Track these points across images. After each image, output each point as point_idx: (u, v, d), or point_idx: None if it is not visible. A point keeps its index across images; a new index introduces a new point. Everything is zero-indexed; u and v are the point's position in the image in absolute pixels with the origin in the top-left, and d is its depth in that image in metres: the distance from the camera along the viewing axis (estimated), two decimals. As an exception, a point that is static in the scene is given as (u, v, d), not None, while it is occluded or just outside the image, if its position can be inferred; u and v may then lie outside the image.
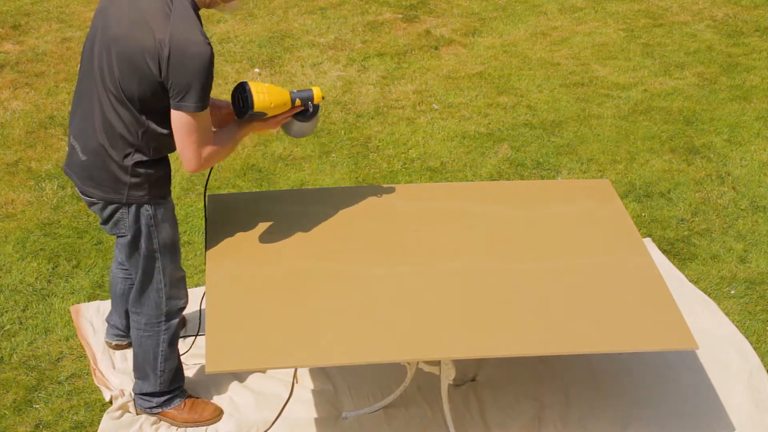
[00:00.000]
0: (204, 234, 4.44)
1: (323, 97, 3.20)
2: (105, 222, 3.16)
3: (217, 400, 3.61)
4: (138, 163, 3.01)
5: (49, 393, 3.65)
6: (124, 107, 2.92)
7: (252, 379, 3.72)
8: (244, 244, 3.29)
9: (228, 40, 6.51)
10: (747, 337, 3.99)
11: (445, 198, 3.61)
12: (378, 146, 5.36)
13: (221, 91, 5.90)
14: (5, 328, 3.96)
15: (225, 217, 3.40)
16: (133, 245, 3.16)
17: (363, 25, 6.92)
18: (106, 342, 3.82)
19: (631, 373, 3.78)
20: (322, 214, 3.43)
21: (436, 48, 6.62)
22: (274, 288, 3.11)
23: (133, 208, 3.08)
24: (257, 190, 4.88)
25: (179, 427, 3.48)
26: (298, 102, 3.15)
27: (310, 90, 3.19)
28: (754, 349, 3.93)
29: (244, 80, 3.07)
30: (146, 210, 3.10)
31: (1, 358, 3.81)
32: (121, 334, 3.77)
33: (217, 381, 3.69)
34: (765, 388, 3.73)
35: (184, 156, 2.93)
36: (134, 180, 3.03)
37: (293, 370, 3.64)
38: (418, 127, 5.58)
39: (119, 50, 2.86)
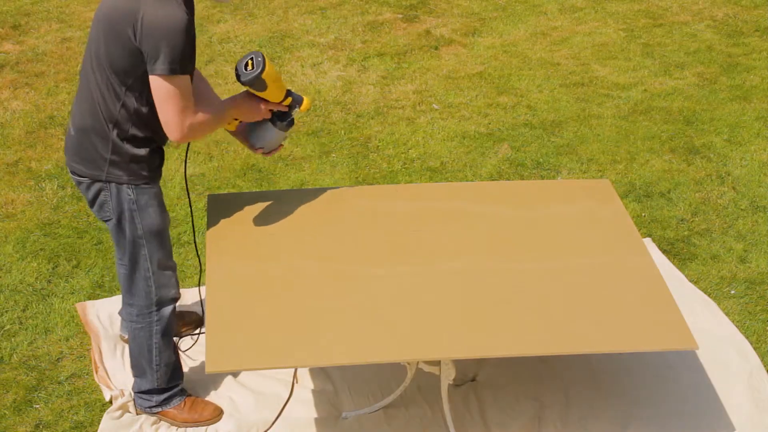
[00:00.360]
0: (204, 234, 4.44)
1: (308, 109, 3.22)
2: (92, 205, 3.20)
3: (217, 400, 3.61)
4: (118, 139, 3.03)
5: (49, 393, 3.65)
6: (105, 78, 2.97)
7: (252, 379, 3.72)
8: (244, 244, 3.29)
9: (228, 40, 6.51)
10: (747, 337, 3.99)
11: (445, 198, 3.61)
12: (378, 146, 5.36)
13: (221, 91, 5.90)
14: (5, 328, 3.96)
15: (225, 217, 3.40)
16: (119, 230, 3.18)
17: (363, 25, 6.92)
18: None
19: (631, 373, 3.78)
20: (322, 214, 3.43)
21: (436, 48, 6.62)
22: (274, 288, 3.11)
23: (114, 189, 3.10)
24: (257, 190, 4.88)
25: (179, 427, 3.48)
26: (289, 100, 3.17)
27: (302, 97, 3.20)
28: (754, 349, 3.93)
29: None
30: (128, 194, 3.11)
31: (1, 358, 3.81)
32: None
33: (217, 381, 3.69)
34: (765, 388, 3.72)
35: (167, 125, 2.93)
36: (114, 157, 3.05)
37: (293, 370, 3.65)
38: (418, 127, 5.58)
39: (106, 20, 2.94)
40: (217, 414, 3.52)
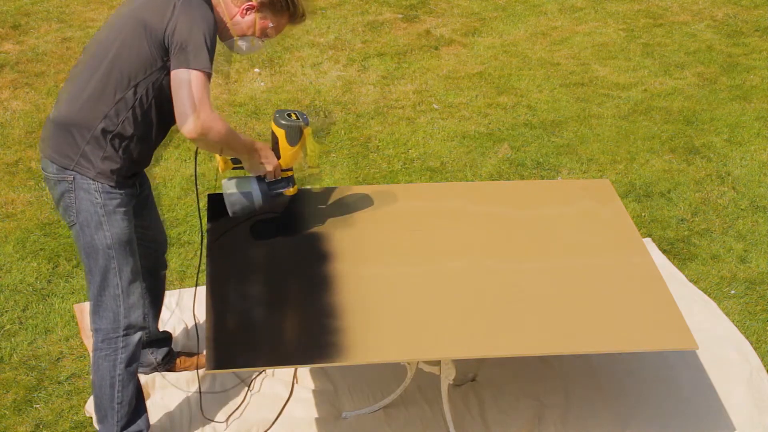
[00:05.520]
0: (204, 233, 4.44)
1: (291, 195, 3.22)
2: (57, 206, 3.06)
3: (218, 399, 3.61)
4: (101, 132, 2.91)
5: (49, 393, 3.65)
6: (110, 71, 2.89)
7: (252, 379, 3.71)
8: (244, 244, 3.29)
9: (228, 40, 6.51)
10: (747, 337, 3.99)
11: (445, 198, 3.61)
12: (378, 146, 5.36)
13: (222, 90, 5.90)
14: (5, 328, 3.96)
15: (225, 217, 3.40)
16: (84, 237, 3.01)
17: (363, 25, 6.92)
18: None
19: (631, 373, 3.78)
20: (322, 214, 3.43)
21: (436, 48, 6.62)
22: (274, 288, 3.11)
23: (81, 191, 2.96)
24: (257, 190, 4.88)
25: None
26: (290, 173, 3.16)
27: (295, 183, 3.19)
28: (754, 349, 3.93)
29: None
30: (95, 197, 2.96)
31: (1, 358, 3.81)
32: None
33: (218, 381, 3.69)
34: (765, 388, 3.73)
35: (182, 116, 2.77)
36: (88, 148, 2.92)
37: (293, 370, 3.65)
38: (418, 127, 5.58)
39: (133, 14, 2.90)
40: None
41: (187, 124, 2.77)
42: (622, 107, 5.84)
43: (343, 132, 5.49)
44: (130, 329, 3.12)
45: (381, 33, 6.82)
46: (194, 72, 2.78)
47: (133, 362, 3.16)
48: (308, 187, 4.92)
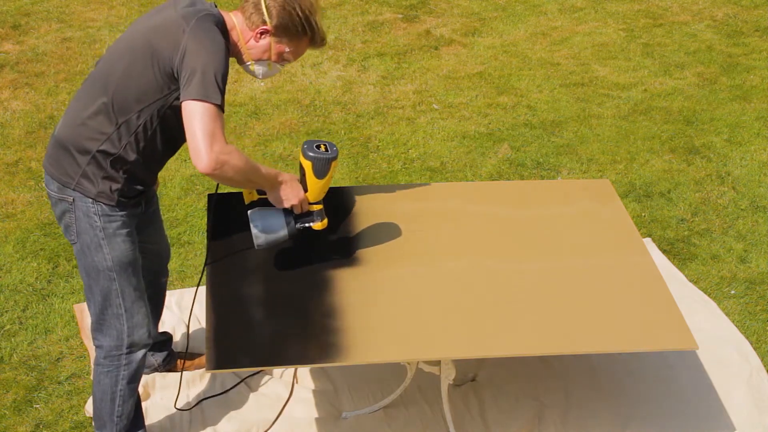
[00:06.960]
0: (204, 234, 4.45)
1: (320, 229, 3.07)
2: (59, 223, 3.01)
3: (217, 399, 3.61)
4: (102, 153, 2.85)
5: (49, 393, 3.65)
6: (113, 96, 2.81)
7: (252, 379, 3.72)
8: (244, 244, 3.29)
9: (228, 40, 6.51)
10: (747, 337, 3.99)
11: (445, 198, 3.61)
12: (378, 146, 5.36)
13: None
14: (5, 328, 3.96)
15: (225, 217, 3.40)
16: (85, 258, 2.97)
17: (363, 25, 6.92)
18: None
19: (631, 373, 3.78)
20: (322, 214, 3.43)
21: (436, 48, 6.62)
22: (274, 288, 3.11)
23: (81, 212, 2.91)
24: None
25: None
26: (319, 207, 3.03)
27: (325, 217, 3.07)
28: (754, 349, 3.93)
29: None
30: (94, 220, 2.91)
31: (1, 358, 3.81)
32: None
33: (218, 380, 3.69)
34: (765, 388, 3.73)
35: (195, 150, 2.67)
36: (89, 168, 2.86)
37: (293, 370, 3.65)
38: (418, 127, 5.58)
39: (142, 38, 2.81)
40: None
41: (200, 159, 2.65)
42: (622, 107, 5.84)
43: (343, 132, 5.49)
44: (133, 347, 3.09)
45: (381, 33, 6.82)
46: (205, 104, 2.66)
47: (135, 379, 3.14)
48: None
